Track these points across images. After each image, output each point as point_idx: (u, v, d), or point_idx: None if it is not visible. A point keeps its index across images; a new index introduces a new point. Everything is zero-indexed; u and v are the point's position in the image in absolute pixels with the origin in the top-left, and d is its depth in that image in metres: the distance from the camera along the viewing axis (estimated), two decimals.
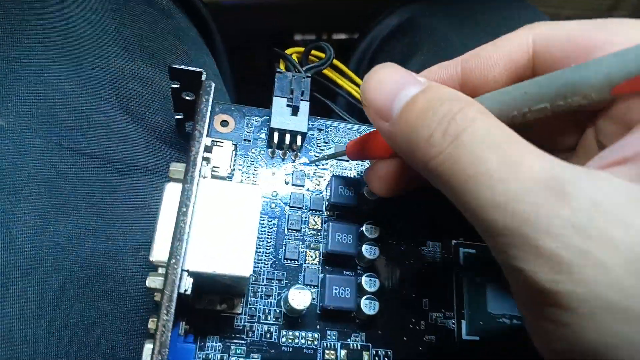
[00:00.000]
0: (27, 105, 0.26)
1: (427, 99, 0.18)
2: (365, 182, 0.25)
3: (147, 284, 0.21)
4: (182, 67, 0.23)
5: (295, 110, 0.28)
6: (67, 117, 0.26)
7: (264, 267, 0.26)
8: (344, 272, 0.26)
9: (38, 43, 0.27)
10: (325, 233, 0.27)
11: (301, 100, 0.28)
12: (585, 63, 0.17)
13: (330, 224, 0.26)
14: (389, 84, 0.19)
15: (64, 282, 0.24)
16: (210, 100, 0.22)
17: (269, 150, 0.28)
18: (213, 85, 0.23)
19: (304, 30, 0.69)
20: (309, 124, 0.28)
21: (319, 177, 0.28)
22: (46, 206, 0.24)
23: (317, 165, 0.28)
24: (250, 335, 0.25)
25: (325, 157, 0.28)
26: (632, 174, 0.14)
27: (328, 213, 0.28)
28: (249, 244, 0.22)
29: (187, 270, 0.21)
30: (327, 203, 0.28)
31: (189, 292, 0.21)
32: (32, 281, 0.23)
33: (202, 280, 0.22)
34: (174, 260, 0.20)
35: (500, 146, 0.15)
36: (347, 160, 0.29)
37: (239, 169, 0.28)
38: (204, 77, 0.23)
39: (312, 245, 0.27)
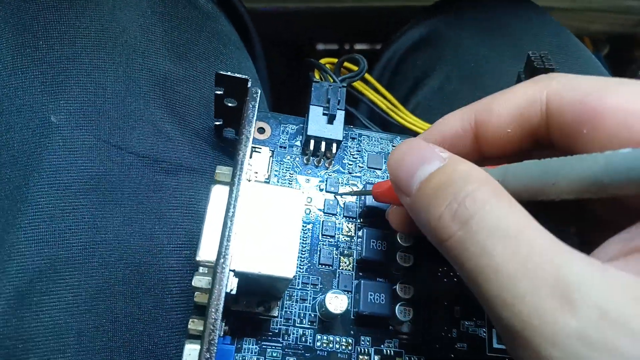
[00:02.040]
0: (78, 103, 0.27)
1: (441, 177, 0.18)
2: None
3: (193, 284, 0.21)
4: (229, 73, 0.24)
5: (331, 119, 0.28)
6: (115, 116, 0.27)
7: (300, 271, 0.26)
8: (377, 279, 0.27)
9: (90, 44, 0.28)
10: (359, 240, 0.27)
11: (337, 109, 0.28)
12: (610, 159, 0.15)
13: (365, 230, 0.27)
14: (410, 160, 0.19)
15: (110, 278, 0.24)
16: (257, 105, 0.23)
17: (304, 157, 0.29)
18: (259, 91, 0.23)
19: (326, 40, 0.70)
20: (343, 133, 0.29)
21: (352, 185, 0.29)
22: (94, 203, 0.25)
23: (342, 196, 0.29)
24: (285, 338, 0.25)
25: (352, 193, 0.29)
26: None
27: (361, 220, 0.28)
28: (292, 247, 0.22)
29: (234, 270, 0.21)
30: (360, 210, 0.28)
31: (234, 292, 0.21)
32: (79, 276, 0.24)
33: (244, 282, 0.22)
34: (222, 260, 0.20)
35: (509, 237, 0.15)
36: (379, 169, 0.30)
37: (275, 175, 0.28)
38: (249, 84, 0.24)
39: (345, 252, 0.27)
